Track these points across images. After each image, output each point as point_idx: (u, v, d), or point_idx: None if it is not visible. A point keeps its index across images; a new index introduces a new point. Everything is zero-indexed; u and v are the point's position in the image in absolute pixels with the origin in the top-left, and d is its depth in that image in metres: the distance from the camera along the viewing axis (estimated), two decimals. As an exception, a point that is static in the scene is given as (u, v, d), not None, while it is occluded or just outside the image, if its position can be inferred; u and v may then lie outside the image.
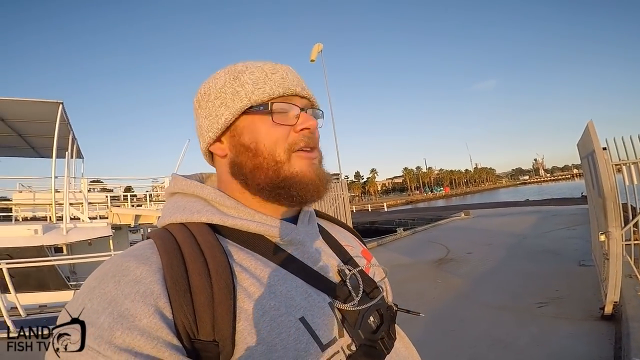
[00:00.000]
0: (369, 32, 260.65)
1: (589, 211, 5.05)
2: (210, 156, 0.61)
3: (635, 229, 3.41)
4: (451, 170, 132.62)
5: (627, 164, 3.33)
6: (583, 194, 18.96)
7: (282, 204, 0.56)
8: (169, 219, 0.55)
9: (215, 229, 0.52)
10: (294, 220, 0.58)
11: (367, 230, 19.31)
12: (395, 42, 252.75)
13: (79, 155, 10.07)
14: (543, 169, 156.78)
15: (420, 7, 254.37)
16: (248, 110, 0.54)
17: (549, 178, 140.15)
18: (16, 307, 4.62)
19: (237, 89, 0.55)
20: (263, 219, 0.54)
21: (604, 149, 3.37)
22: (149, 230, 8.97)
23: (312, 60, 12.53)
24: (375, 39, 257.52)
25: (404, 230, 11.58)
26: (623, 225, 3.22)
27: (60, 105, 6.77)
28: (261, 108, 0.54)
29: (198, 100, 0.60)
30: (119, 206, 9.83)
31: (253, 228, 0.52)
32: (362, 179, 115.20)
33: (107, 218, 8.36)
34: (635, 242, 3.45)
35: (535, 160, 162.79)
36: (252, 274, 0.49)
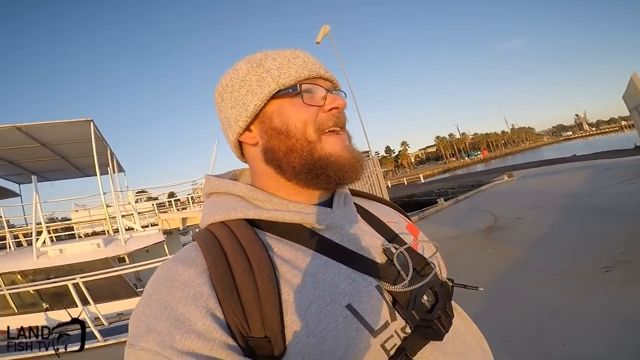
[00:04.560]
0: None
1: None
2: (239, 148, 0.60)
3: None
4: (487, 133, 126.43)
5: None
6: (637, 144, 17.46)
7: (318, 187, 0.55)
8: (208, 219, 0.56)
9: (253, 223, 0.53)
10: (329, 204, 0.57)
11: (406, 204, 18.95)
12: (411, 7, 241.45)
13: (120, 169, 10.62)
14: (587, 123, 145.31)
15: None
16: (276, 95, 0.54)
17: (595, 132, 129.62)
18: (98, 318, 4.99)
19: (262, 75, 0.55)
20: (297, 207, 0.54)
21: None
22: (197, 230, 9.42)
23: (317, 42, 12.19)
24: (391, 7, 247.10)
25: (444, 200, 11.17)
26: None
27: (91, 123, 7.10)
28: (290, 90, 0.54)
29: (220, 93, 0.59)
30: (165, 212, 10.35)
31: (289, 218, 0.52)
32: (394, 152, 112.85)
33: (157, 225, 8.83)
34: None
35: (577, 115, 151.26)
36: (293, 265, 0.48)
